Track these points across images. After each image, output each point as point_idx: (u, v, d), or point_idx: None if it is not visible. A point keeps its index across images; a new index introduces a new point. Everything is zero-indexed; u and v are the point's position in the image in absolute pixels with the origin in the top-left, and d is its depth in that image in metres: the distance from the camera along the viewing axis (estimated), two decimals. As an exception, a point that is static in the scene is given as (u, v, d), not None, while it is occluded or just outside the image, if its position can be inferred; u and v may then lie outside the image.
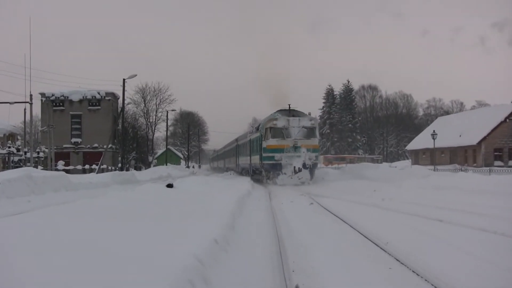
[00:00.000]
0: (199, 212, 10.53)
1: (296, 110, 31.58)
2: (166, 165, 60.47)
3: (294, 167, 29.06)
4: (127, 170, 50.40)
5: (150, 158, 66.96)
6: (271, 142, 29.81)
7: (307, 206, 14.99)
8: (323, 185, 26.96)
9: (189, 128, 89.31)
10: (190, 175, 46.86)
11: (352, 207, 13.99)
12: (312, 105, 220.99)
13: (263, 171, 31.13)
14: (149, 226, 8.06)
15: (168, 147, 74.00)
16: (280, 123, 29.91)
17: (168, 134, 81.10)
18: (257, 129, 33.54)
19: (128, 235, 7.08)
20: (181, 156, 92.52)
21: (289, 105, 31.82)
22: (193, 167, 79.77)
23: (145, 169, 57.63)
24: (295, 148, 29.44)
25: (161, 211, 10.52)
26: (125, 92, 42.24)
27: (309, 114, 32.67)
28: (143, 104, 68.81)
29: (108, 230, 7.39)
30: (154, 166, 63.53)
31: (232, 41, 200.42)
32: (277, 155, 29.52)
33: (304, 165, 29.21)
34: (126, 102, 49.45)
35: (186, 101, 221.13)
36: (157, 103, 69.94)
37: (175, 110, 72.73)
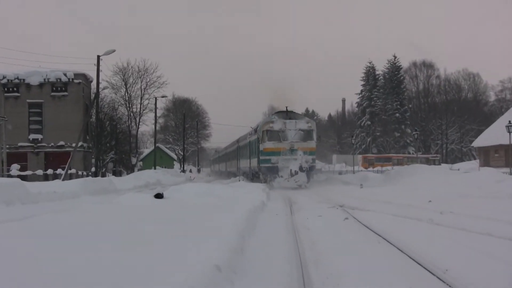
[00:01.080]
0: (196, 231, 10.58)
1: (294, 112, 39.57)
2: (155, 168, 60.79)
3: (291, 170, 36.77)
4: (103, 175, 50.74)
5: (134, 160, 67.45)
6: (268, 145, 37.68)
7: (340, 222, 14.99)
8: (361, 194, 26.98)
9: (185, 119, 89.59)
10: (186, 181, 47.04)
11: (400, 224, 13.96)
12: (348, 89, 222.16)
13: (261, 175, 38.77)
14: (129, 251, 8.10)
15: (157, 145, 74.29)
16: (277, 125, 37.78)
17: (158, 128, 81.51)
18: (255, 131, 41.22)
19: (100, 265, 7.08)
20: (175, 157, 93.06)
21: (286, 107, 39.85)
22: (190, 171, 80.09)
23: (127, 174, 57.98)
24: (292, 151, 37.32)
25: (146, 230, 10.56)
26: (101, 73, 42.52)
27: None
28: (124, 89, 69.36)
29: (72, 260, 7.40)
30: (138, 170, 63.90)
31: (240, 10, 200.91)
32: (273, 158, 37.37)
33: (300, 168, 37.01)
34: (101, 86, 49.81)
35: (181, 87, 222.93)
36: (143, 87, 70.50)
37: (166, 97, 73.06)
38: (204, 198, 20.77)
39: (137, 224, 11.66)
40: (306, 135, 38.27)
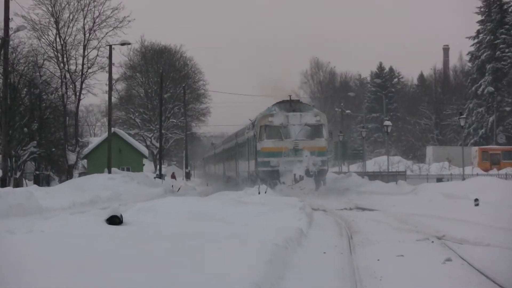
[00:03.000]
0: (177, 284, 10.70)
1: (299, 103, 52.19)
2: (110, 172, 60.99)
3: (294, 174, 47.91)
4: (18, 184, 51.01)
5: (72, 157, 67.53)
6: (266, 144, 49.00)
7: (437, 266, 15.03)
8: (475, 216, 26.87)
9: (163, 83, 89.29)
10: (166, 194, 47.09)
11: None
12: (454, 30, 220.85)
13: (258, 180, 49.05)
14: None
15: (114, 130, 74.16)
16: (277, 120, 49.01)
17: (115, 100, 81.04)
18: (253, 125, 52.41)
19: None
20: (146, 152, 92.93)
21: (289, 96, 52.63)
22: (173, 176, 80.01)
23: (61, 181, 58.11)
24: (296, 151, 48.37)
25: None
26: (12, 3, 42.53)
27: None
28: (55, 31, 69.25)
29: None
30: (80, 175, 64.16)
31: None
32: (273, 160, 48.81)
33: (307, 172, 48.11)
34: (14, 25, 49.84)
35: (157, 33, 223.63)
36: (88, 27, 70.31)
37: (129, 44, 72.37)
38: (196, 224, 20.80)
39: (66, 275, 11.69)
40: (314, 131, 49.00)
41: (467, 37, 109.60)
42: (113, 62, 64.86)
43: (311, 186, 46.57)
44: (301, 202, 32.94)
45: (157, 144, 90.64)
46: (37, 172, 62.58)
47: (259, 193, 44.54)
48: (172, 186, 62.73)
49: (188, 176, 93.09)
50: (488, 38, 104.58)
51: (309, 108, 51.28)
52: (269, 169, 48.04)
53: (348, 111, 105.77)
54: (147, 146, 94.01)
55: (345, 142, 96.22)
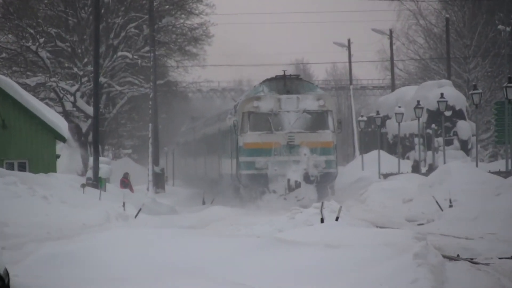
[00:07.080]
0: None
1: (297, 80, 63.75)
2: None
3: (289, 180, 58.52)
4: None
5: None
6: (250, 137, 61.68)
7: None
8: None
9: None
10: (110, 224, 47.59)
11: None
12: None
13: (241, 188, 71.30)
14: None
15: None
16: (266, 104, 60.78)
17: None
18: (235, 110, 66.67)
19: None
20: (63, 126, 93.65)
21: (284, 71, 63.25)
22: (125, 182, 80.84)
23: None
24: (291, 147, 61.27)
25: None
26: None
27: None
28: None
29: None
30: None
31: None
32: (260, 160, 65.35)
33: (306, 177, 64.85)
34: None
35: None
36: None
37: None
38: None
39: None
40: (317, 120, 60.84)
41: None
42: None
43: (311, 196, 56.13)
44: (418, 242, 32.51)
45: (89, 109, 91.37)
46: None
47: (322, 220, 44.58)
48: (124, 204, 63.00)
49: (160, 182, 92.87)
50: None
51: (310, 88, 62.10)
52: (254, 172, 59.23)
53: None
54: (66, 114, 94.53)
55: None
